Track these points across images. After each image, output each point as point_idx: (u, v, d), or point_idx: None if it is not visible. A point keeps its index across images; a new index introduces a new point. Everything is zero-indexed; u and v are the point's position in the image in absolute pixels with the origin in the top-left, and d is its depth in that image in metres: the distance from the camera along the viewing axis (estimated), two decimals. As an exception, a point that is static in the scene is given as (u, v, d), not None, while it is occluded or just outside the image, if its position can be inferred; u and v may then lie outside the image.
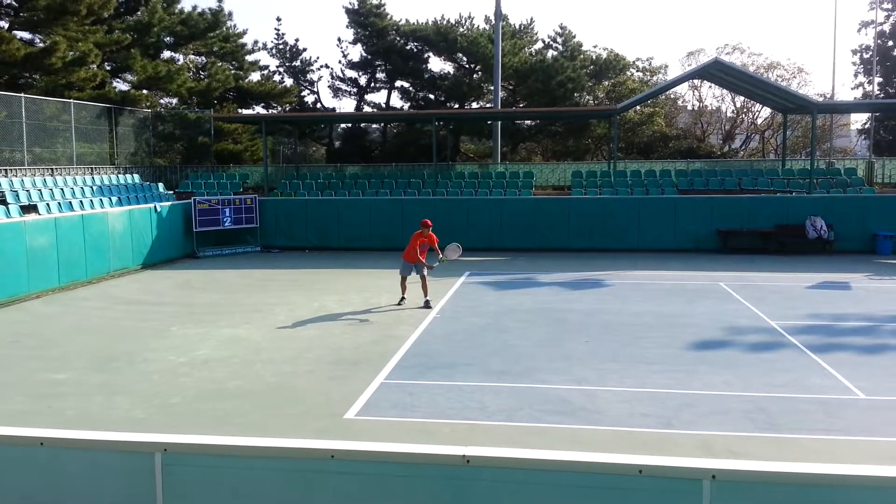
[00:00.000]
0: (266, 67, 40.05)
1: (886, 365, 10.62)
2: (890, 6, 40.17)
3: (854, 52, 42.33)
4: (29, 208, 18.89)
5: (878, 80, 38.07)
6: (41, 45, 27.11)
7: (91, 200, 21.36)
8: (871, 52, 38.78)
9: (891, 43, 40.55)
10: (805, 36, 79.37)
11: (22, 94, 22.42)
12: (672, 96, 42.60)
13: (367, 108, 41.08)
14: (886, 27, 40.31)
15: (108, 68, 31.45)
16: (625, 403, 9.03)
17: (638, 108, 36.39)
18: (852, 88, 43.31)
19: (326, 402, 9.22)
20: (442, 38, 37.64)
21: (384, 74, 40.56)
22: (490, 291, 16.85)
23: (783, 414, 8.62)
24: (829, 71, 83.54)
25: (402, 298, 15.31)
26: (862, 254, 21.96)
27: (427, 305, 14.89)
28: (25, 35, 28.04)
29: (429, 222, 15.55)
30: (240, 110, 36.68)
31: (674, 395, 9.31)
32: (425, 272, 15.25)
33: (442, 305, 15.13)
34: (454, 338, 12.46)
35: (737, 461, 3.11)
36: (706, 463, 3.07)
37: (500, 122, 32.33)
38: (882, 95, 38.67)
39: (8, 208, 18.04)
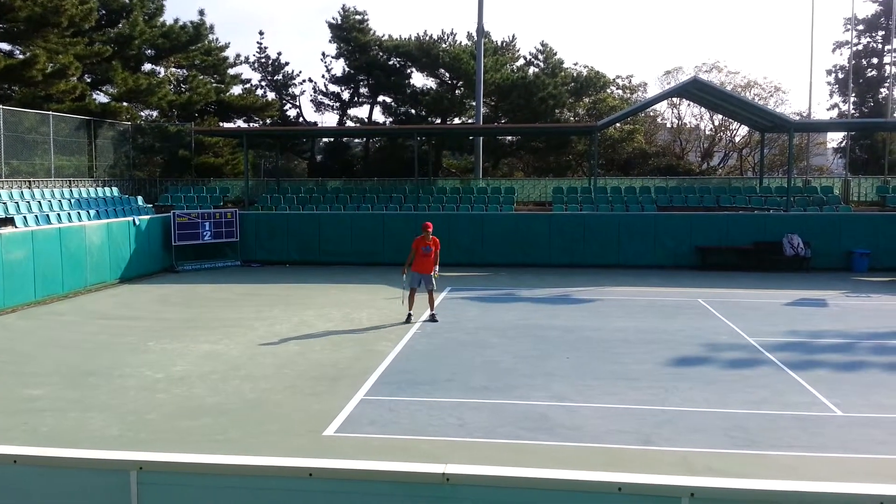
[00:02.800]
0: (248, 81, 40.12)
1: (863, 381, 10.74)
2: (863, 27, 40.93)
3: (828, 71, 43.08)
4: (5, 221, 18.66)
5: (852, 99, 38.71)
6: (21, 56, 26.91)
7: (69, 213, 21.15)
8: (845, 72, 39.46)
9: (864, 63, 41.30)
10: (782, 55, 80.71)
11: (0, 106, 22.21)
12: (651, 114, 43.02)
13: (349, 123, 41.10)
14: (860, 47, 41.06)
15: (89, 80, 31.25)
16: (604, 420, 9.05)
17: (618, 125, 36.72)
18: (828, 109, 44.06)
19: (306, 419, 9.15)
20: (424, 53, 37.83)
21: (367, 89, 40.64)
22: (471, 307, 16.85)
23: (761, 431, 8.67)
24: (805, 90, 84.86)
25: (410, 315, 15.05)
26: (838, 271, 22.23)
27: (433, 318, 14.88)
28: (5, 46, 27.86)
29: (429, 225, 15.24)
30: (221, 124, 36.55)
31: (653, 412, 9.34)
32: (434, 285, 15.12)
33: (423, 321, 15.09)
34: (435, 353, 12.44)
35: (716, 479, 3.12)
36: (685, 480, 3.08)
37: (481, 138, 32.49)
38: (857, 114, 39.31)
39: (-17, 221, 17.82)
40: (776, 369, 11.37)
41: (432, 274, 15.10)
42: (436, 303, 17.02)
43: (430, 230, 15.16)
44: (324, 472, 3.27)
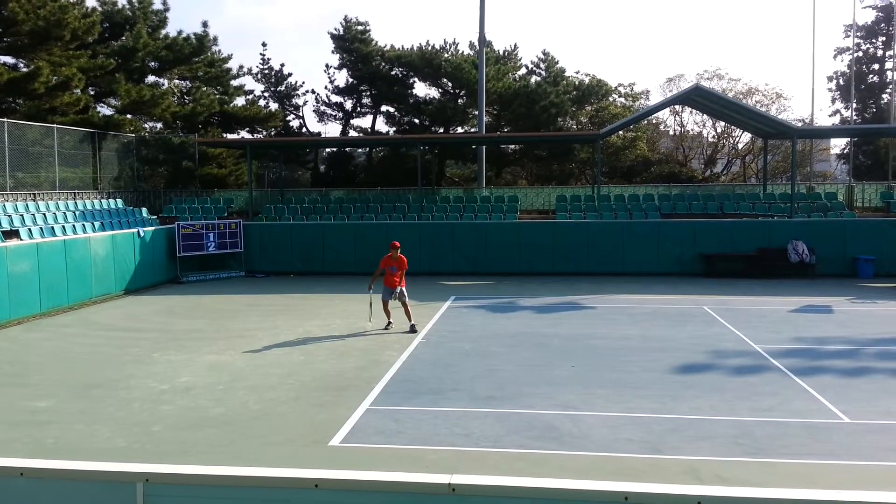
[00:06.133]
0: (251, 92, 40.15)
1: (869, 388, 10.69)
2: (863, 34, 40.97)
3: (829, 78, 43.10)
4: (11, 234, 18.72)
5: (854, 105, 38.70)
6: (24, 69, 27.06)
7: (73, 225, 21.20)
8: (846, 79, 39.46)
9: (865, 69, 41.30)
10: (783, 62, 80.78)
11: (5, 119, 22.32)
12: (654, 121, 43.04)
13: (352, 133, 41.20)
14: (861, 53, 41.09)
15: (92, 93, 31.41)
16: (611, 428, 9.01)
17: (620, 132, 36.74)
18: (830, 115, 44.03)
19: (311, 430, 9.14)
20: (427, 63, 37.92)
21: (369, 99, 40.74)
22: (475, 316, 16.83)
23: (769, 438, 8.63)
24: (807, 96, 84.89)
25: (389, 323, 15.28)
26: (843, 277, 22.16)
27: (412, 330, 14.85)
28: (9, 60, 28.01)
29: (397, 244, 15.41)
30: (224, 135, 36.65)
31: (660, 420, 9.30)
32: (406, 298, 15.20)
33: (427, 330, 15.08)
34: (439, 363, 12.42)
35: (723, 487, 3.10)
36: (693, 489, 3.06)
37: (484, 147, 32.53)
38: (859, 120, 39.28)
39: (-11, 233, 17.86)
40: (783, 376, 11.33)
41: (402, 287, 15.22)
42: (440, 312, 17.03)
43: (398, 248, 15.25)
44: (330, 483, 3.27)
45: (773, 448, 8.33)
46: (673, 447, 8.40)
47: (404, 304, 15.15)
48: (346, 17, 39.53)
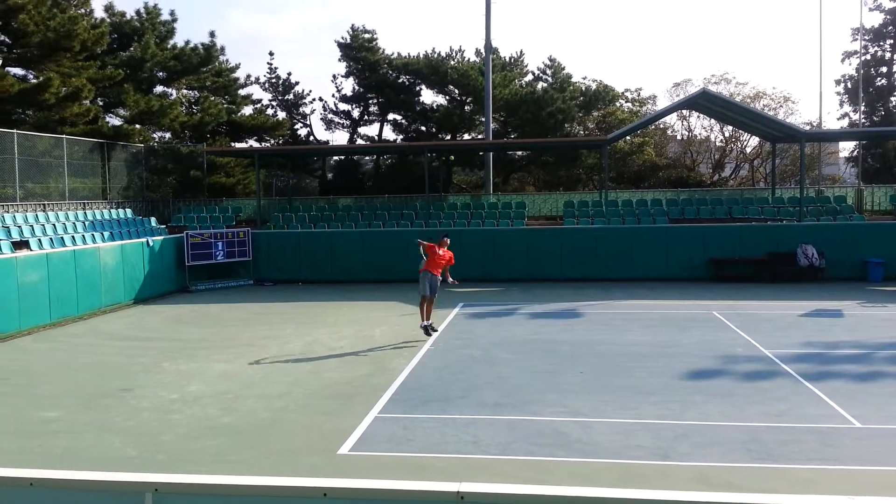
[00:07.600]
0: (259, 101, 40.31)
1: (881, 393, 10.61)
2: (871, 37, 40.83)
3: (837, 81, 42.94)
4: (21, 244, 18.82)
5: (862, 108, 38.53)
6: (34, 80, 27.26)
7: (83, 235, 21.30)
8: (854, 82, 39.31)
9: (873, 72, 41.14)
10: (791, 65, 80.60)
11: (14, 130, 22.47)
12: (661, 126, 42.97)
13: (359, 141, 41.30)
14: (868, 57, 40.93)
15: (101, 103, 31.60)
16: (620, 435, 8.98)
17: (628, 138, 36.70)
18: (838, 118, 43.84)
19: (320, 438, 9.14)
20: (433, 71, 38.01)
21: (377, 107, 40.85)
22: (483, 323, 16.82)
23: (779, 444, 8.58)
24: (815, 99, 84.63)
25: (429, 325, 14.96)
26: (853, 281, 22.04)
27: (430, 330, 14.78)
28: (18, 71, 28.23)
29: (447, 241, 15.16)
30: (232, 144, 36.81)
31: (669, 426, 9.26)
32: (436, 294, 15.04)
33: (436, 337, 15.07)
34: (448, 370, 12.41)
35: (733, 494, 3.08)
36: (702, 496, 3.05)
37: (491, 153, 32.54)
38: (867, 123, 39.12)
39: (-1, 244, 17.96)
40: (793, 381, 11.27)
41: (449, 279, 15.08)
42: (449, 318, 17.05)
43: (447, 245, 15.09)
44: (339, 492, 3.26)
45: (784, 454, 8.28)
46: (682, 453, 8.36)
47: (431, 301, 14.99)
48: (353, 25, 39.72)
